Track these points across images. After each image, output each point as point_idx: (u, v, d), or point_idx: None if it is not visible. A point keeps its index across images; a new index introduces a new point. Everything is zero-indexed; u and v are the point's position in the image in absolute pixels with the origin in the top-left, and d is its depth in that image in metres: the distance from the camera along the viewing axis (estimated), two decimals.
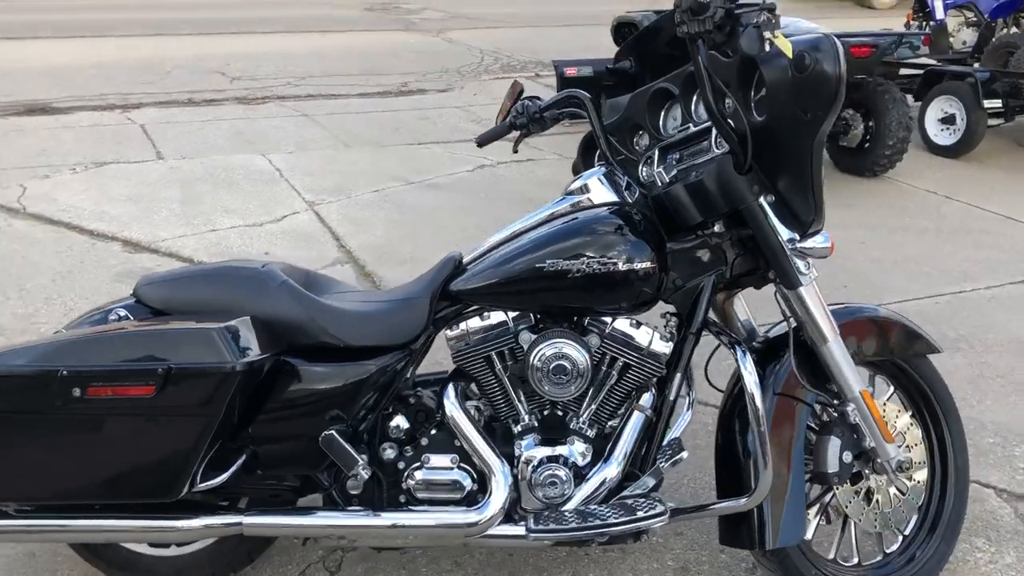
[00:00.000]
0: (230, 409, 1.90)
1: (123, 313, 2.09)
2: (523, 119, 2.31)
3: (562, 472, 2.06)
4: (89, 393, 1.84)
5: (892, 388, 2.33)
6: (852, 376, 2.08)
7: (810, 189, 1.93)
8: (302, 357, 2.06)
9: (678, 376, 2.12)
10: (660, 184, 2.11)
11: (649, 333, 2.08)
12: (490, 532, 2.03)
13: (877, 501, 2.18)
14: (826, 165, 6.03)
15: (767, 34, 1.71)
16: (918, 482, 2.23)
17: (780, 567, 2.10)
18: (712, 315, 2.18)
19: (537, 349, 2.02)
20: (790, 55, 1.73)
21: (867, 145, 5.96)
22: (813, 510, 2.19)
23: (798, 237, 2.00)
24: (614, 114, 2.32)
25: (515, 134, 2.34)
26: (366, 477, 2.05)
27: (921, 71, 6.80)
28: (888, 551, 2.27)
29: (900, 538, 2.29)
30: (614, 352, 2.08)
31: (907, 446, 2.20)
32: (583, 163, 2.49)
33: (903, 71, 6.82)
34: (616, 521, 2.00)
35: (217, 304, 2.04)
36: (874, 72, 5.97)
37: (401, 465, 2.12)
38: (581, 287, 1.99)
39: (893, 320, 2.26)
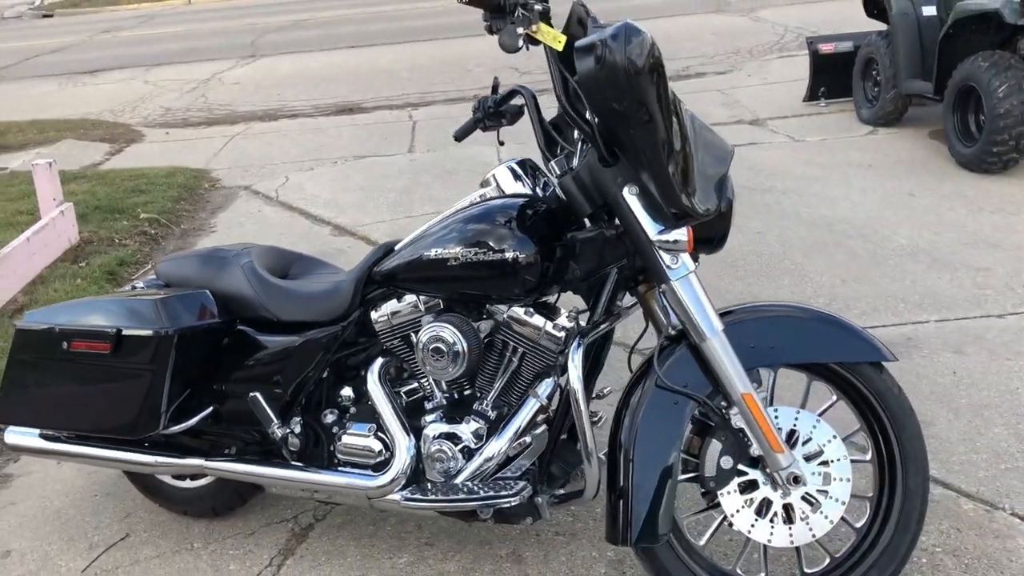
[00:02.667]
0: (179, 364, 2.30)
1: (140, 285, 2.59)
2: (480, 113, 2.42)
3: (448, 448, 2.18)
4: (72, 346, 2.34)
5: (835, 396, 2.12)
6: (736, 377, 1.96)
7: (664, 179, 1.87)
8: (254, 327, 2.41)
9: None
10: (554, 177, 2.14)
11: (543, 322, 2.13)
12: (386, 497, 2.23)
13: (776, 514, 2.02)
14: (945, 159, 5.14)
15: (520, 29, 1.71)
16: (837, 500, 2.02)
17: (648, 565, 2.04)
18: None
19: (422, 331, 2.17)
20: (557, 47, 1.72)
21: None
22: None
23: (663, 228, 1.93)
24: None
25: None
26: (278, 436, 2.34)
27: None
28: (807, 571, 2.08)
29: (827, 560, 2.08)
30: (508, 338, 2.17)
31: (831, 459, 2.01)
32: (548, 152, 2.54)
33: None
34: (472, 497, 2.10)
35: (196, 280, 2.46)
36: None
37: (334, 430, 2.38)
38: (468, 275, 2.10)
39: (830, 323, 2.07)
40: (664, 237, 1.91)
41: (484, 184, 2.25)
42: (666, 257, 1.94)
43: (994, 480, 2.51)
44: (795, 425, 2.03)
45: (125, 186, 6.05)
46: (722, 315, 2.05)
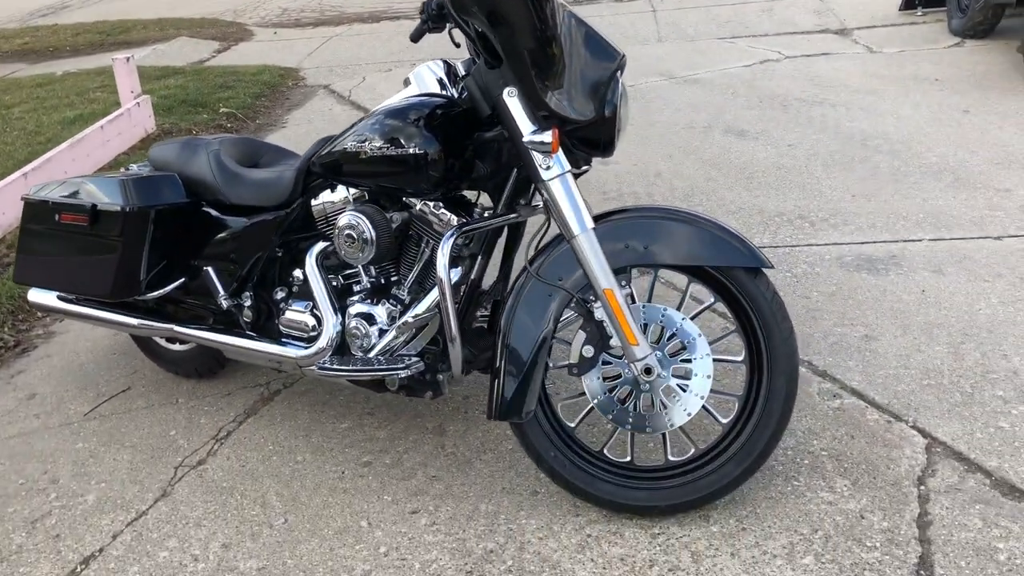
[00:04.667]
0: (143, 237, 2.61)
1: (133, 168, 2.91)
2: (425, 16, 2.55)
3: (363, 326, 2.42)
4: (62, 218, 2.69)
5: (712, 298, 2.21)
6: (600, 273, 2.07)
7: (529, 82, 1.99)
8: (216, 209, 2.69)
9: (480, 257, 2.33)
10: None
11: (447, 215, 2.31)
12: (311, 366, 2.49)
13: (635, 403, 2.16)
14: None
15: None
16: (697, 395, 2.14)
17: (520, 440, 2.23)
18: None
19: (340, 217, 2.39)
20: None
21: None
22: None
23: (536, 130, 2.05)
24: None
25: None
26: (224, 307, 2.63)
27: None
28: (672, 459, 2.22)
29: (692, 451, 2.22)
30: (418, 230, 2.37)
31: (694, 355, 2.13)
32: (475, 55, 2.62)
33: None
34: (372, 368, 2.34)
35: (173, 165, 2.76)
36: None
37: (281, 306, 2.65)
38: (381, 169, 2.28)
39: (707, 229, 2.14)
40: (533, 138, 2.03)
41: (406, 83, 2.40)
42: (539, 157, 2.06)
43: (910, 395, 2.53)
44: (661, 322, 2.15)
45: (215, 82, 6.47)
46: (603, 216, 2.17)
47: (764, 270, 2.13)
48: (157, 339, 3.06)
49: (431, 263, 2.37)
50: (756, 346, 2.15)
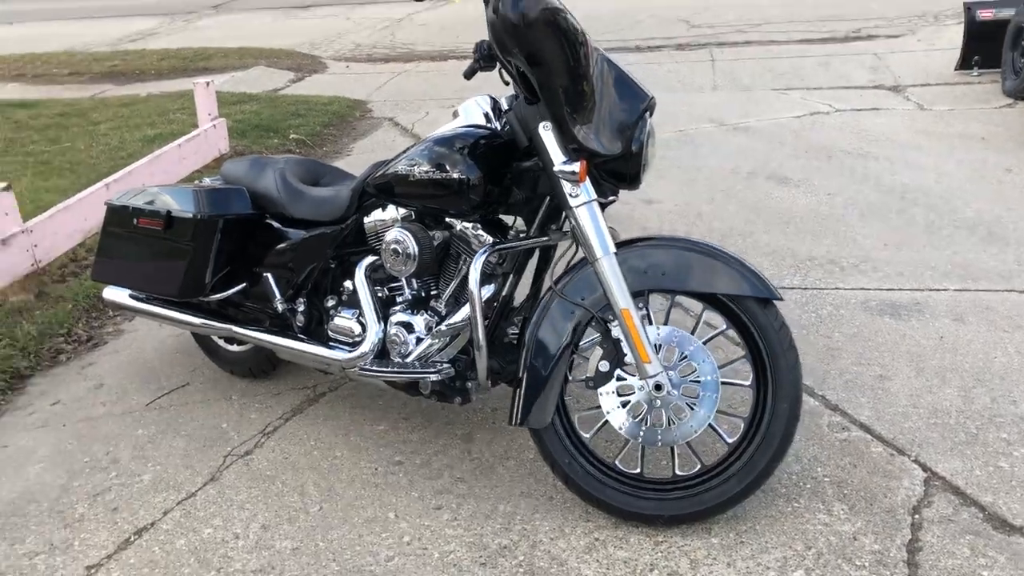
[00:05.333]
0: (221, 244, 2.86)
1: (208, 181, 3.19)
2: (478, 55, 2.78)
3: (402, 334, 2.63)
4: (139, 223, 2.97)
5: (724, 325, 2.38)
6: (619, 294, 2.26)
7: (560, 116, 2.21)
8: (279, 222, 2.94)
9: (511, 276, 2.54)
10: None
11: (483, 235, 2.53)
12: (352, 368, 2.71)
13: (646, 418, 2.33)
14: None
15: None
16: (704, 413, 2.30)
17: (538, 446, 2.41)
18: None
19: (387, 233, 2.61)
20: (455, 1, 2.07)
21: None
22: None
23: (566, 160, 2.26)
24: None
25: None
26: (280, 310, 2.87)
27: None
28: (679, 473, 2.38)
29: (697, 467, 2.37)
30: (457, 248, 2.59)
31: (703, 376, 2.30)
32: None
33: None
34: (405, 371, 2.55)
35: (243, 179, 3.02)
36: None
37: (331, 312, 2.88)
38: (426, 191, 2.50)
39: (722, 260, 2.31)
40: (563, 168, 2.24)
41: (455, 115, 2.63)
42: (567, 186, 2.26)
43: (916, 431, 2.65)
44: (673, 343, 2.32)
45: (287, 110, 6.83)
46: (628, 243, 2.36)
47: (774, 302, 2.29)
48: (216, 339, 3.32)
49: (467, 278, 2.57)
50: (763, 372, 2.30)
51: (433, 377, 2.52)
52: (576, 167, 2.22)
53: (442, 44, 9.85)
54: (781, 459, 2.30)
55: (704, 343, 2.35)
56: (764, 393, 2.30)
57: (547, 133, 2.28)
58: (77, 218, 3.98)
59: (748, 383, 2.36)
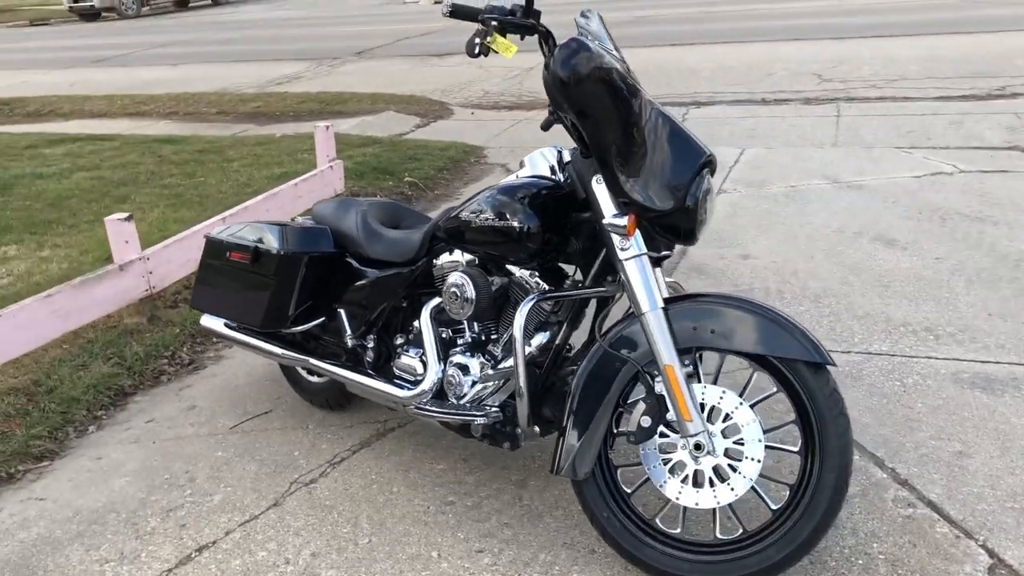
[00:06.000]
0: (293, 278, 3.01)
1: (300, 220, 3.36)
2: (551, 107, 2.81)
3: (458, 375, 2.70)
4: (231, 256, 3.16)
5: (775, 388, 2.33)
6: (664, 349, 2.26)
7: (610, 171, 2.25)
8: (357, 261, 3.08)
9: (565, 325, 2.58)
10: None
11: (539, 283, 2.58)
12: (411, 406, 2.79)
13: (687, 477, 2.30)
14: None
15: (477, 40, 2.15)
16: (746, 476, 2.25)
17: (578, 496, 2.41)
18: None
19: (449, 276, 2.69)
20: (507, 55, 2.14)
21: None
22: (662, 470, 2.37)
23: (617, 214, 2.29)
24: None
25: None
26: (350, 345, 2.98)
27: None
28: (720, 537, 2.33)
29: (740, 530, 2.32)
30: (515, 293, 2.64)
31: (746, 439, 2.25)
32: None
33: None
34: (455, 411, 2.61)
35: (328, 220, 3.18)
36: None
37: (398, 351, 2.98)
38: (488, 237, 2.58)
39: (775, 321, 2.27)
40: (612, 221, 2.26)
41: (521, 165, 2.70)
42: (617, 239, 2.29)
43: (989, 514, 2.50)
44: (719, 403, 2.29)
45: (406, 153, 7.09)
46: (679, 298, 2.35)
47: (828, 368, 2.23)
48: (299, 370, 3.47)
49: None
50: (811, 438, 2.23)
51: (480, 420, 2.56)
52: (624, 220, 2.24)
53: None
54: (825, 531, 2.22)
55: (752, 406, 2.30)
56: (812, 460, 2.23)
57: (599, 186, 2.31)
58: (190, 249, 4.25)
59: (796, 449, 2.29)
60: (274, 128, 8.90)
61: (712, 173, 2.38)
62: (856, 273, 4.23)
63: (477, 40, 2.26)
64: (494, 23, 2.25)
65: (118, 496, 2.99)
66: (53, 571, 2.63)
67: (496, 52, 2.24)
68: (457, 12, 2.32)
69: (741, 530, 2.31)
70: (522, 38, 2.38)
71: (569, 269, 2.68)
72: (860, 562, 2.36)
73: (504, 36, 2.30)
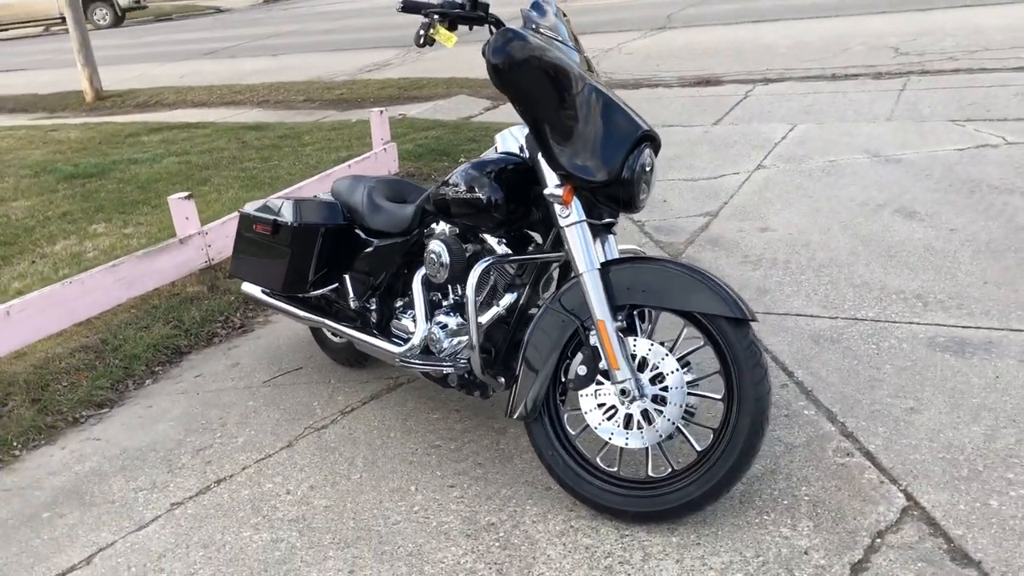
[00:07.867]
0: (307, 247, 3.39)
1: (322, 196, 3.75)
2: None
3: (438, 332, 3.03)
4: (256, 228, 3.57)
5: (703, 341, 2.56)
6: (598, 306, 2.53)
7: (545, 146, 2.53)
8: (363, 232, 3.44)
9: (528, 287, 2.88)
10: None
11: (504, 248, 2.88)
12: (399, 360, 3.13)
13: (619, 419, 2.56)
14: None
15: (421, 31, 2.45)
16: (670, 420, 2.51)
17: (530, 438, 2.70)
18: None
19: (428, 243, 3.02)
20: (448, 45, 2.44)
21: None
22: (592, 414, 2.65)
23: (558, 184, 2.57)
24: None
25: None
26: (353, 308, 3.34)
27: None
28: (651, 475, 2.59)
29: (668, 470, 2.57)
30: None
31: (671, 386, 2.50)
32: None
33: None
34: (428, 362, 2.93)
35: (342, 195, 3.55)
36: None
37: (396, 312, 3.33)
38: (460, 209, 2.89)
39: (701, 280, 2.50)
40: (551, 191, 2.54)
41: (493, 143, 3.00)
42: (557, 208, 2.56)
43: (920, 463, 2.67)
44: (647, 354, 2.54)
45: (467, 135, 7.43)
46: (622, 261, 2.61)
47: (749, 322, 2.45)
48: (326, 331, 3.86)
49: (495, 287, 2.92)
50: (731, 387, 2.46)
51: (447, 370, 2.88)
52: (559, 191, 2.51)
53: (640, 73, 10.12)
54: (742, 470, 2.45)
55: (682, 358, 2.54)
56: (731, 406, 2.46)
57: (542, 160, 2.58)
58: None
59: (720, 397, 2.52)
60: (353, 114, 9.39)
61: (656, 149, 2.61)
62: (866, 244, 4.35)
63: (421, 32, 2.56)
64: (436, 16, 2.55)
65: (160, 437, 3.44)
66: (97, 495, 3.09)
67: (439, 42, 2.54)
68: (407, 7, 2.63)
69: (669, 469, 2.56)
70: (470, 28, 2.68)
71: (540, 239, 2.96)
72: (785, 502, 2.58)
73: (454, 29, 2.60)
